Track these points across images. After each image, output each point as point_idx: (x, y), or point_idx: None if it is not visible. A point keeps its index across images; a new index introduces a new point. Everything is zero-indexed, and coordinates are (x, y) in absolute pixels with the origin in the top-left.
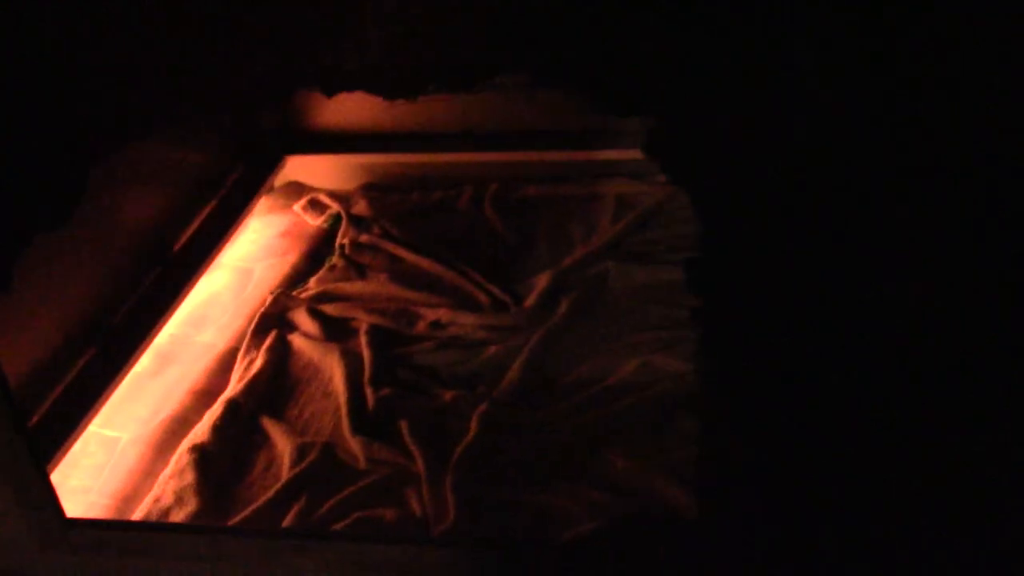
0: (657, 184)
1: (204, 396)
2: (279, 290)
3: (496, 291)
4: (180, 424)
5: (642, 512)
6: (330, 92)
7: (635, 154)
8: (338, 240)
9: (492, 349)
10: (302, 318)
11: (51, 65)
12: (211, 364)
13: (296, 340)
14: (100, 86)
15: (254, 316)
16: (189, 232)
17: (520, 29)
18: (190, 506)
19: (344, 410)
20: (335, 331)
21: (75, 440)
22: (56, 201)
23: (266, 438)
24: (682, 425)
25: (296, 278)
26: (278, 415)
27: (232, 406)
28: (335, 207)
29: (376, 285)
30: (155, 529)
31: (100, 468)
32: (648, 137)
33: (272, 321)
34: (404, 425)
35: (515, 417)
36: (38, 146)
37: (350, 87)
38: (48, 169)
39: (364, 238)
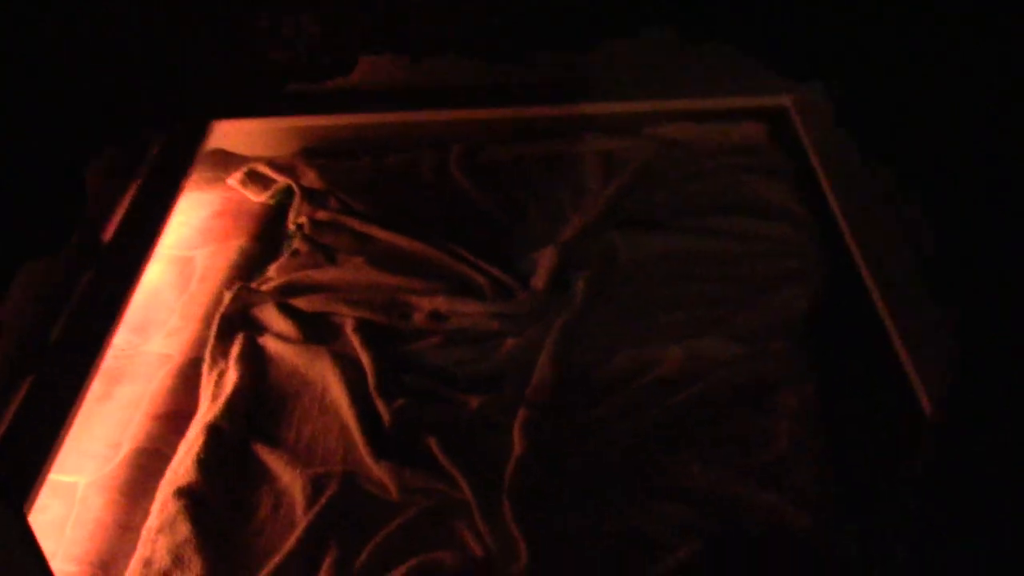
0: (642, 138)
1: (171, 421)
2: (237, 284)
3: (496, 272)
4: (150, 459)
5: (740, 528)
6: None
7: (614, 107)
8: (292, 219)
9: (510, 342)
10: (272, 316)
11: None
12: (170, 380)
13: (271, 344)
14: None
15: (209, 317)
16: (117, 220)
17: None
18: (194, 568)
19: (356, 429)
20: (316, 330)
21: (35, 496)
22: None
23: (265, 470)
24: (752, 419)
25: (249, 267)
26: (272, 440)
27: (214, 433)
28: (282, 179)
29: (353, 271)
30: None
31: (60, 524)
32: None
33: (236, 322)
34: (433, 443)
35: (562, 423)
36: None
37: None
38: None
39: (322, 214)
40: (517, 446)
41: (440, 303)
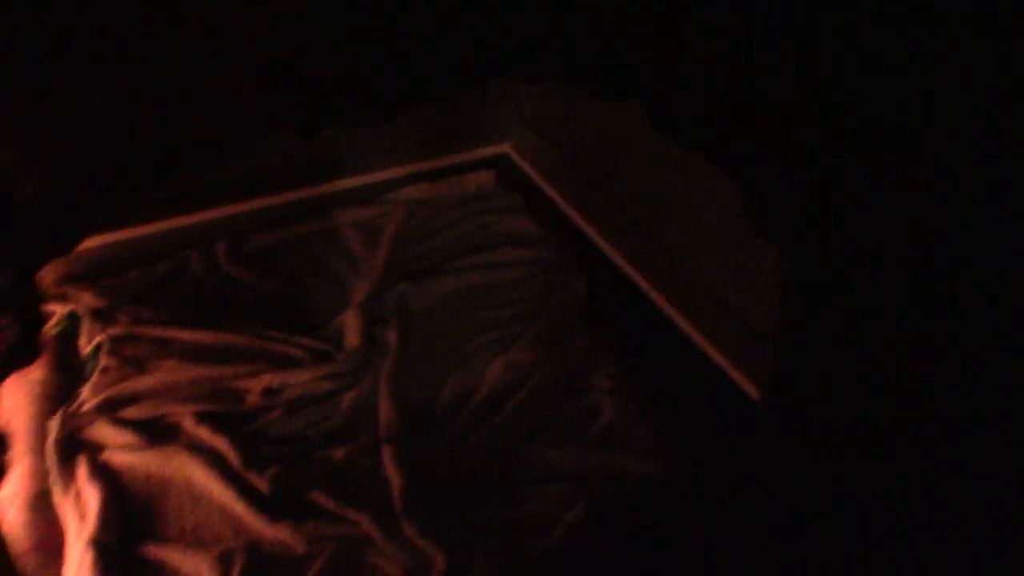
0: (389, 204)
1: (42, 553)
2: (61, 409)
3: (308, 342)
4: None
5: (606, 487)
6: None
7: (357, 180)
8: (85, 342)
9: (347, 396)
10: (106, 432)
11: None
12: (22, 516)
13: (116, 457)
14: None
15: (37, 451)
16: None
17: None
18: None
19: (237, 505)
20: (156, 434)
21: None
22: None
23: (164, 566)
24: (577, 404)
25: (57, 396)
26: (158, 539)
27: (99, 547)
28: (60, 308)
29: (171, 373)
30: None
31: None
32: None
33: (71, 447)
34: (318, 496)
35: (422, 449)
36: None
37: None
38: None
39: (116, 330)
40: (394, 477)
41: (268, 379)
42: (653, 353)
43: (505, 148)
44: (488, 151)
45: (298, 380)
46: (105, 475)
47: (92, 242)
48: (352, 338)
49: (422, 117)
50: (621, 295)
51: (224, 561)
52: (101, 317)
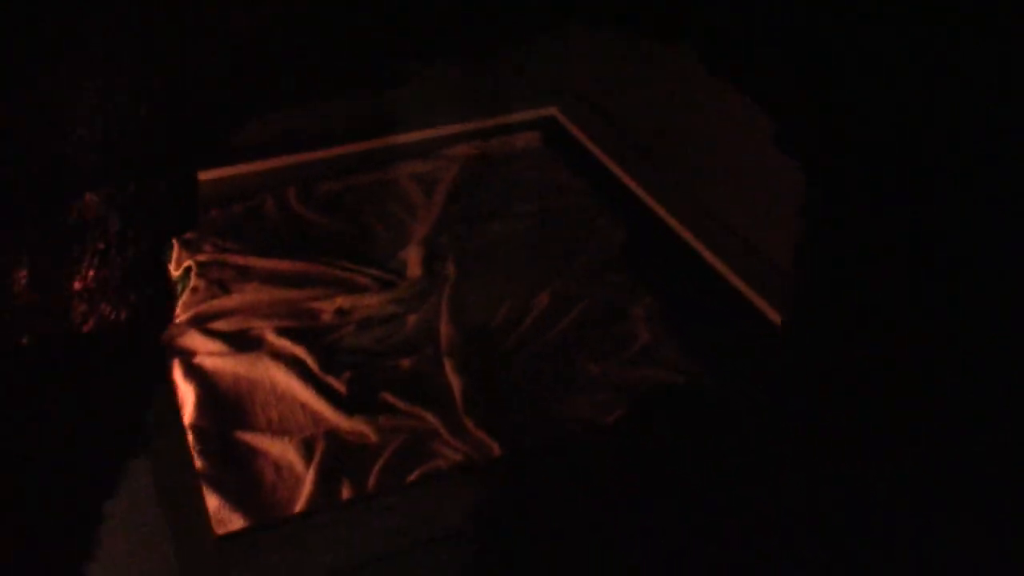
0: (444, 158)
1: None
2: None
3: (375, 272)
4: None
5: (641, 396)
6: None
7: (415, 135)
8: (174, 266)
9: (412, 318)
10: (197, 341)
11: None
12: None
13: (207, 362)
14: None
15: None
16: None
17: None
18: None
19: (318, 401)
20: (241, 343)
21: None
22: None
23: (254, 449)
24: (615, 329)
25: None
26: (248, 428)
27: (198, 432)
28: None
29: (253, 294)
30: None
31: None
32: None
33: (165, 354)
34: (389, 396)
35: (480, 361)
36: None
37: None
38: None
39: (202, 257)
40: (454, 382)
41: (341, 302)
42: (687, 288)
43: (552, 111)
44: (536, 113)
45: (367, 303)
46: (198, 376)
47: None
48: (414, 269)
49: (475, 78)
50: (658, 239)
51: (308, 445)
52: (188, 246)
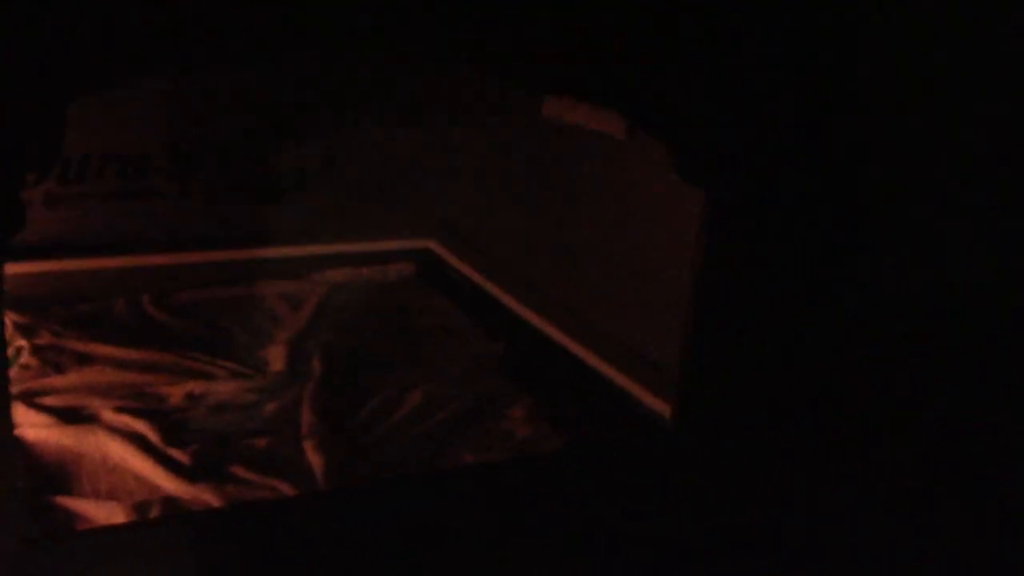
0: (311, 282)
1: None
2: None
3: (231, 365)
4: None
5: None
6: None
7: (283, 251)
8: (8, 345)
9: (271, 405)
10: (22, 414)
11: None
12: None
13: (30, 433)
14: None
15: None
16: None
17: None
18: None
19: (157, 470)
20: (71, 419)
21: None
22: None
23: (74, 516)
24: (493, 426)
25: None
26: (69, 495)
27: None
28: None
29: (93, 374)
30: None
31: None
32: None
33: None
34: (239, 469)
35: (346, 447)
36: None
37: None
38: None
39: (41, 340)
40: (316, 461)
41: (192, 386)
42: (569, 392)
43: (428, 243)
44: (410, 244)
45: (223, 389)
46: (16, 449)
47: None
48: (276, 364)
49: (347, 201)
50: (538, 350)
51: (141, 509)
52: (23, 329)
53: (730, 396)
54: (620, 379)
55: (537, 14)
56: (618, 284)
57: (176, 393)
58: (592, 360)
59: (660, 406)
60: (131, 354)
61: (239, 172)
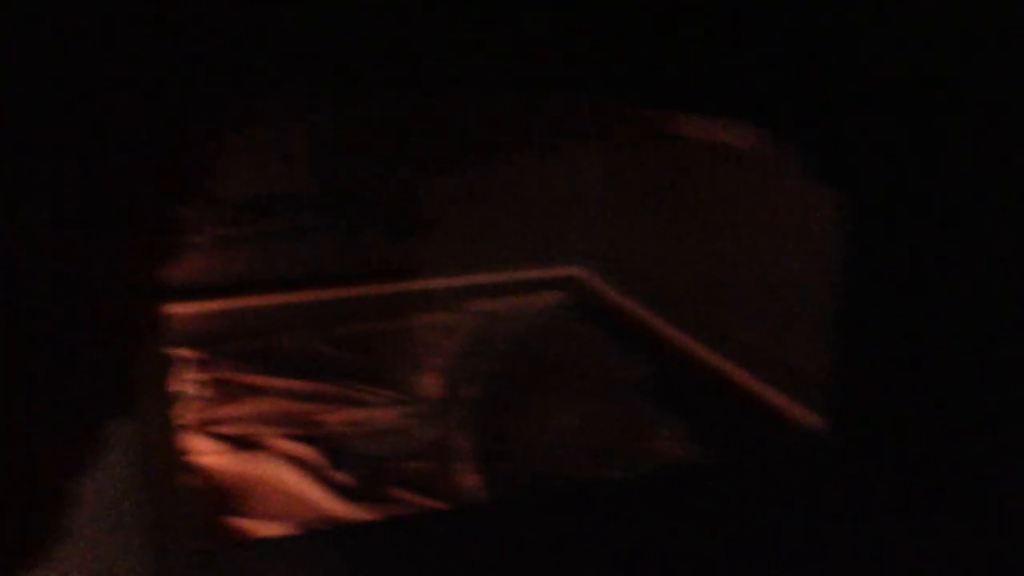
0: (462, 312)
1: None
2: None
3: (390, 393)
4: None
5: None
6: None
7: (435, 283)
8: (186, 379)
9: (427, 431)
10: (198, 442)
11: None
12: None
13: (207, 459)
14: None
15: None
16: None
17: None
18: None
19: (322, 492)
20: (244, 446)
21: None
22: None
23: (247, 535)
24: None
25: None
26: (241, 516)
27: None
28: None
29: (265, 404)
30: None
31: None
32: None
33: None
34: (398, 491)
35: (502, 470)
36: None
37: None
38: None
39: (216, 374)
40: (471, 483)
41: (354, 414)
42: (720, 413)
43: (573, 271)
44: (557, 272)
45: (382, 416)
46: (195, 471)
47: (184, 308)
48: (431, 391)
49: (495, 230)
50: (689, 373)
51: (308, 530)
52: (200, 364)
53: (886, 405)
54: (772, 396)
55: (670, 34)
56: (765, 299)
57: (338, 420)
58: (742, 378)
59: (818, 422)
60: (297, 385)
61: (388, 206)
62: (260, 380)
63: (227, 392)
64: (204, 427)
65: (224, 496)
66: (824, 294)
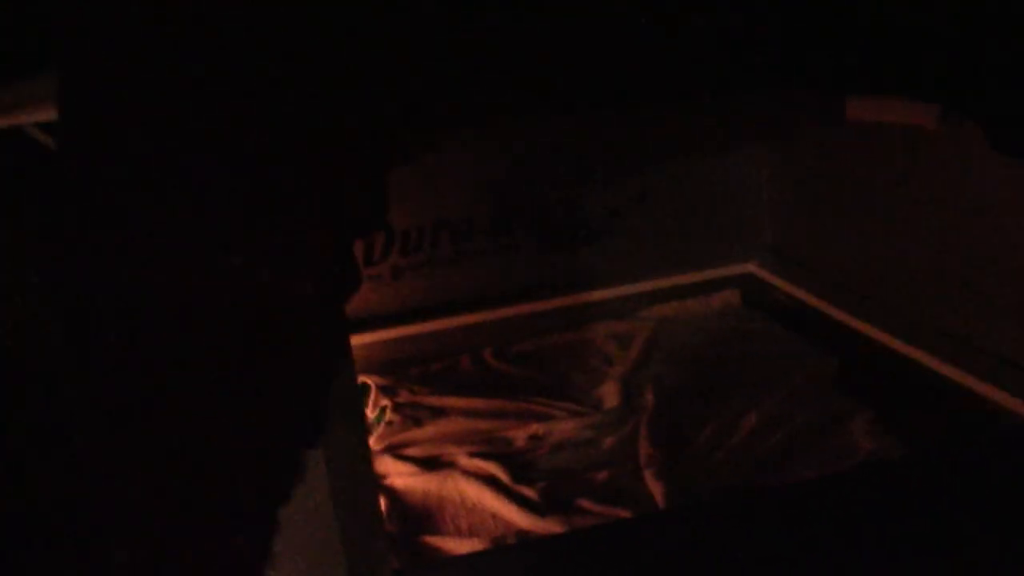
0: (639, 320)
1: None
2: None
3: (570, 406)
4: None
5: None
6: None
7: (608, 293)
8: (371, 408)
9: (609, 440)
10: (389, 465)
11: None
12: None
13: (397, 481)
14: None
15: None
16: None
17: None
18: None
19: (511, 508)
20: (432, 466)
21: None
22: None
23: (440, 551)
24: (833, 444)
25: None
26: (435, 533)
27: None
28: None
29: (448, 425)
30: None
31: None
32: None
33: None
34: (583, 502)
35: (686, 468)
36: None
37: None
38: None
39: (402, 398)
40: (656, 490)
41: (535, 428)
42: (912, 402)
43: (749, 267)
44: (732, 270)
45: (563, 428)
46: (387, 494)
47: (369, 338)
48: (611, 400)
49: (665, 235)
50: (876, 363)
51: (497, 543)
52: (385, 390)
53: None
54: (966, 381)
55: (846, 12)
56: (951, 282)
57: (521, 435)
58: (933, 364)
59: (1016, 406)
60: (479, 404)
61: (555, 220)
62: (443, 401)
63: (413, 415)
64: (392, 450)
65: (416, 516)
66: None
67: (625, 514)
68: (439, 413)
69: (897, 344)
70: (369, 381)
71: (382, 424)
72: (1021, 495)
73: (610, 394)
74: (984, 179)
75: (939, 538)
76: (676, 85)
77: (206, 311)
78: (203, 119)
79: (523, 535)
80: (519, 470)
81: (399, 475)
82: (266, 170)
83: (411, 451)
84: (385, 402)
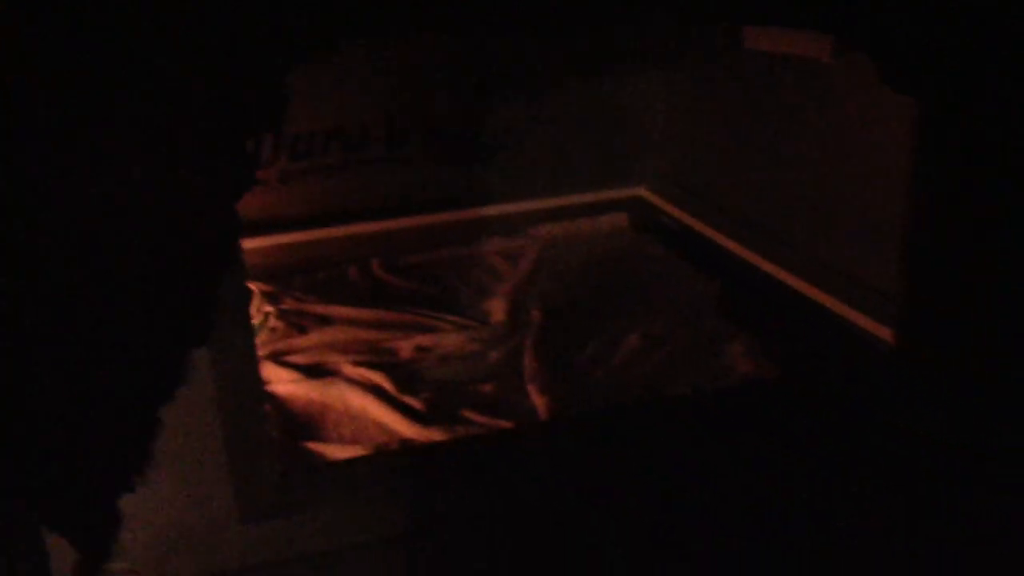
0: (528, 237)
1: None
2: None
3: (457, 319)
4: None
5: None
6: None
7: (500, 209)
8: (256, 312)
9: (494, 354)
10: (272, 372)
11: None
12: None
13: (279, 388)
14: None
15: None
16: None
17: None
18: None
19: (395, 416)
20: (315, 374)
21: None
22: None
23: (322, 456)
24: (712, 364)
25: None
26: (318, 440)
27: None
28: None
29: (333, 333)
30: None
31: None
32: None
33: None
34: (468, 412)
35: (568, 386)
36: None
37: None
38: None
39: (286, 305)
40: (539, 402)
41: (421, 340)
42: (789, 327)
43: (638, 191)
44: (620, 193)
45: (448, 341)
46: (269, 399)
47: (253, 243)
48: (498, 315)
49: (556, 156)
50: (757, 288)
51: (381, 450)
52: (269, 297)
53: (955, 318)
54: (841, 309)
55: None
56: (832, 212)
57: (407, 347)
58: (810, 291)
59: (886, 334)
60: (365, 314)
61: (450, 136)
62: (329, 310)
63: (297, 323)
64: (275, 357)
65: (298, 423)
66: (892, 207)
67: (507, 425)
68: (324, 321)
69: (772, 268)
70: (253, 287)
71: (265, 331)
72: (871, 414)
73: (497, 309)
74: (868, 115)
75: (801, 460)
76: (569, 12)
77: (98, 207)
78: (102, 27)
79: (407, 444)
80: (404, 380)
81: (281, 382)
82: (162, 71)
83: (294, 358)
84: (269, 308)
